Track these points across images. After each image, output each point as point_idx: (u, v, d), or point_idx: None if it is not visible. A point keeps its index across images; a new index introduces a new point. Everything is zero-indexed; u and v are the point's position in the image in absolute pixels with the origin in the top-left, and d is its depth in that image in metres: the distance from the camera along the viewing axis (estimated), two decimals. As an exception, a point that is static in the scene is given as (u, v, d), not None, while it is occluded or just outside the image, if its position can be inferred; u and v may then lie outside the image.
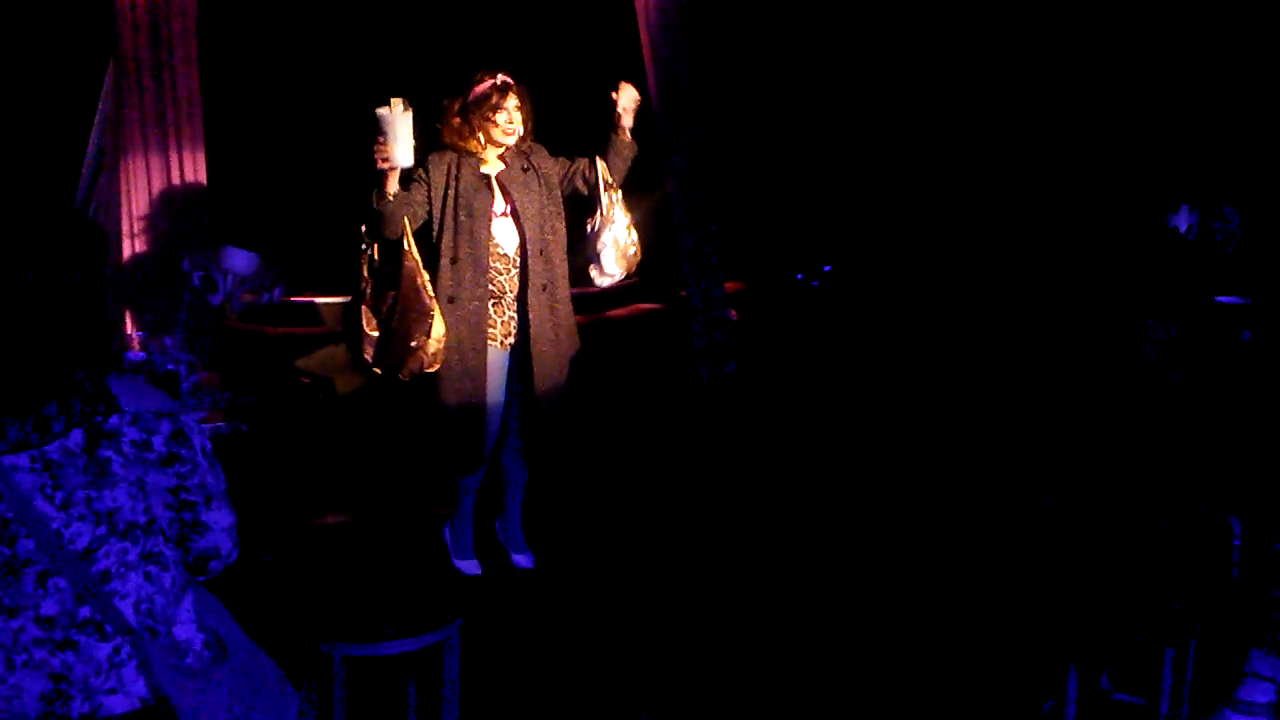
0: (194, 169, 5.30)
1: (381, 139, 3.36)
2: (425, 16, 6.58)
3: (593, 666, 3.22)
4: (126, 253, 5.20)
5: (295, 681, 2.13)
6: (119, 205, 5.24)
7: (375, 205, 3.48)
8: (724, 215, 6.20)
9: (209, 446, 2.01)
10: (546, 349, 3.65)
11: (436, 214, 3.59)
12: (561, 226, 3.78)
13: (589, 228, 3.84)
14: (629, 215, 3.84)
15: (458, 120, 3.66)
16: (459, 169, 3.61)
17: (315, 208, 6.14)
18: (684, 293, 6.10)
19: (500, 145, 3.67)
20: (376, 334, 3.54)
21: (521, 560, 3.98)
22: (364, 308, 3.57)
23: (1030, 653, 3.07)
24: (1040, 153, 5.51)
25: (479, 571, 3.90)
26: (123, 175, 5.22)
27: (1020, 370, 4.38)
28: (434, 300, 3.51)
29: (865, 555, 3.96)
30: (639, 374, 5.82)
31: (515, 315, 3.67)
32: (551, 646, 3.33)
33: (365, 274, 3.58)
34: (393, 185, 3.48)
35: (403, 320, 3.47)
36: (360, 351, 3.59)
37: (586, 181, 3.80)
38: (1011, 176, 5.58)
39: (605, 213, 3.77)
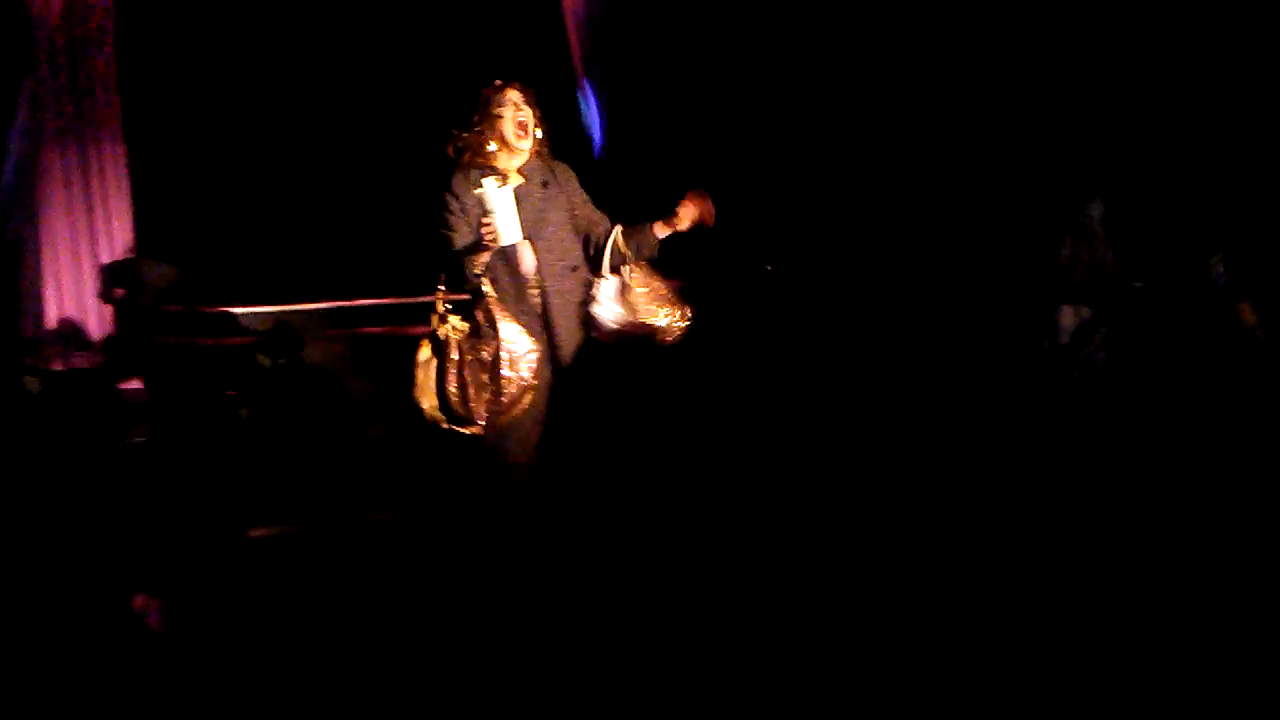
0: (116, 177, 5.23)
1: (486, 217, 3.30)
2: (337, 24, 6.54)
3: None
4: (46, 263, 5.12)
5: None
6: (37, 216, 5.16)
7: (469, 279, 3.38)
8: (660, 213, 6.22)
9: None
10: (573, 368, 3.55)
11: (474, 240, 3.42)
12: (581, 250, 3.64)
13: (594, 288, 3.67)
14: (646, 289, 3.67)
15: (466, 134, 3.55)
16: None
17: (246, 217, 6.09)
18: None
19: (517, 144, 3.51)
20: (488, 385, 3.33)
21: None
22: (466, 361, 3.42)
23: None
24: (954, 148, 5.61)
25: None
26: (41, 185, 5.13)
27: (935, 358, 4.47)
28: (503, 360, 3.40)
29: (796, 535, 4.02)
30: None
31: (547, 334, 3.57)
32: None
33: (448, 331, 3.42)
34: (486, 259, 3.38)
35: (514, 361, 3.30)
36: (454, 410, 3.43)
37: (594, 242, 3.68)
38: (928, 173, 5.68)
39: (626, 282, 3.59)
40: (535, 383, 3.39)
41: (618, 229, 3.54)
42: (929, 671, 2.94)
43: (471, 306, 3.40)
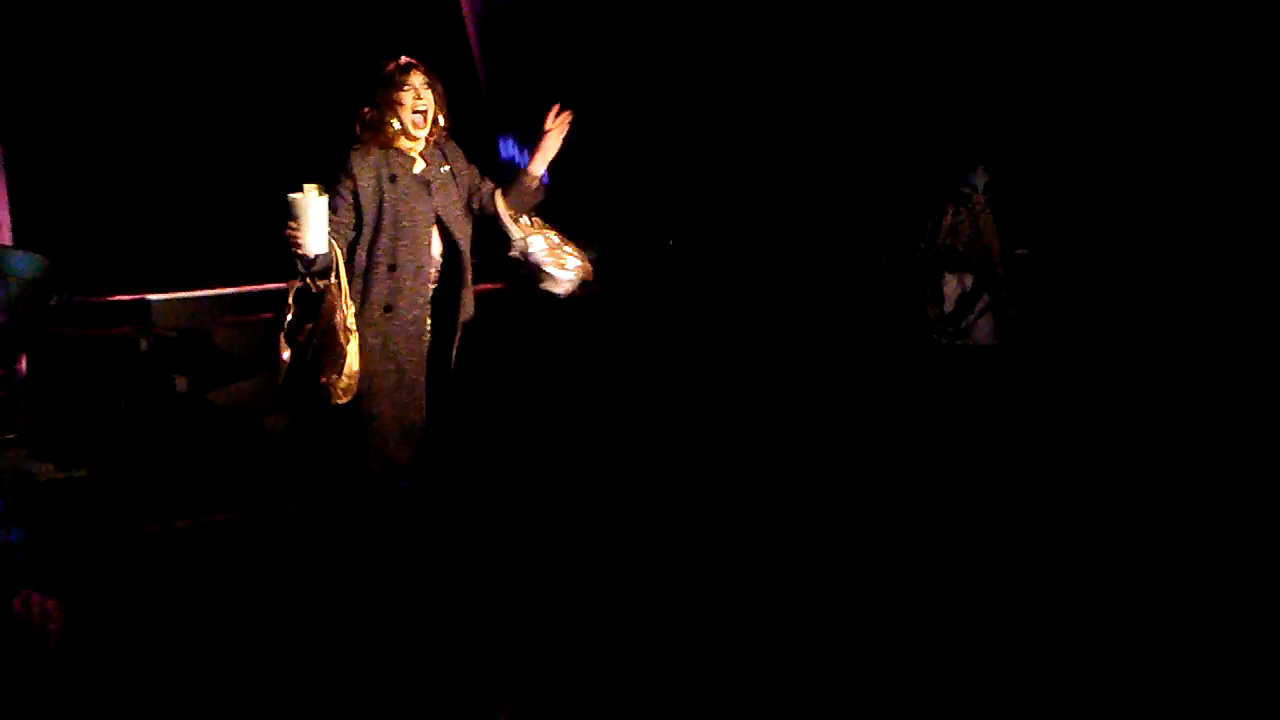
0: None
1: (293, 224, 3.19)
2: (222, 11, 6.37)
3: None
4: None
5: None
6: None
7: (301, 281, 3.32)
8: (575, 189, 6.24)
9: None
10: (457, 350, 3.50)
11: (370, 218, 3.39)
12: (470, 227, 3.57)
13: (512, 255, 3.67)
14: (546, 236, 3.69)
15: (369, 110, 3.50)
16: (390, 169, 3.41)
17: (129, 204, 5.91)
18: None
19: (414, 132, 3.47)
20: (288, 361, 3.37)
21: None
22: (280, 335, 3.37)
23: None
24: (836, 118, 5.70)
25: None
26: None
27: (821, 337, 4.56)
28: (350, 338, 3.36)
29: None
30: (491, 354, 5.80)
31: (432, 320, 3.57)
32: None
33: (290, 299, 3.37)
34: (303, 265, 3.32)
35: (317, 357, 3.27)
36: (276, 376, 3.42)
37: (483, 209, 3.68)
38: (811, 143, 5.77)
39: (520, 242, 3.61)
40: (334, 378, 3.33)
41: (497, 194, 3.58)
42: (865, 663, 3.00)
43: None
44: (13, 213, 5.10)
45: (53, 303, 4.35)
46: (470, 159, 3.67)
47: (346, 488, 3.63)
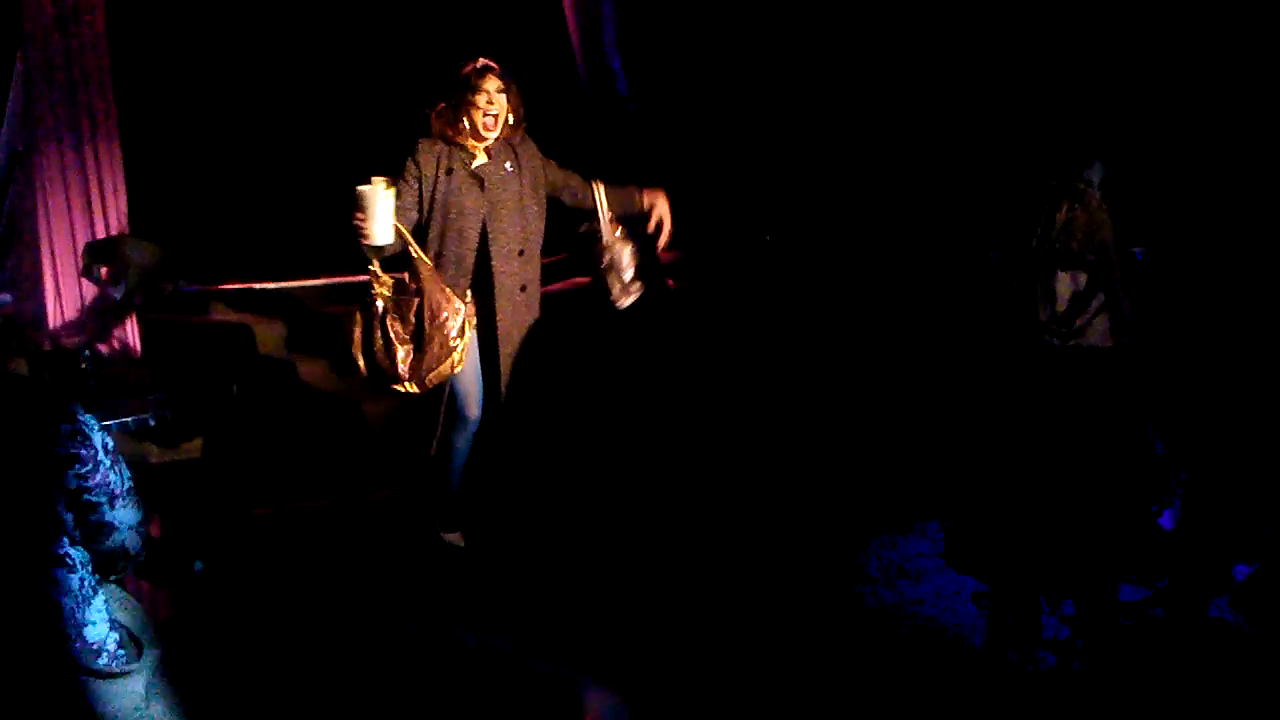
0: (110, 162, 5.22)
1: (360, 215, 3.26)
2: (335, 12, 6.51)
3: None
4: (44, 249, 5.12)
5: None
6: (35, 202, 5.16)
7: (370, 268, 3.41)
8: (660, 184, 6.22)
9: (110, 444, 2.01)
10: (515, 348, 3.59)
11: (425, 208, 3.52)
12: (541, 226, 3.64)
13: (599, 249, 3.72)
14: (629, 244, 3.69)
15: (443, 105, 3.59)
16: (450, 161, 3.52)
17: (240, 196, 6.08)
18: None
19: (484, 134, 3.54)
20: (409, 343, 3.41)
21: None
22: (390, 319, 3.42)
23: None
24: (950, 116, 5.57)
25: (462, 544, 3.85)
26: (37, 171, 5.13)
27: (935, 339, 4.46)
28: (455, 315, 3.41)
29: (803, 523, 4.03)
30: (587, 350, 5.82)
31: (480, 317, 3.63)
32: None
33: (376, 289, 3.45)
34: (371, 253, 3.38)
35: (436, 319, 3.37)
36: (382, 368, 3.43)
37: (575, 199, 3.69)
38: (925, 141, 5.64)
39: (608, 243, 3.65)
40: (460, 341, 3.45)
41: (598, 185, 3.64)
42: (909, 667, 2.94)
43: (404, 266, 3.46)
44: (130, 203, 5.29)
45: (168, 290, 4.49)
46: (568, 155, 3.73)
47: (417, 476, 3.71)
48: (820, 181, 6.18)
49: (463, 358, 3.46)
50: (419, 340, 3.42)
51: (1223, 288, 4.85)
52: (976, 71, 5.54)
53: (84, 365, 3.35)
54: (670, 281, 6.30)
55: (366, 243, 3.29)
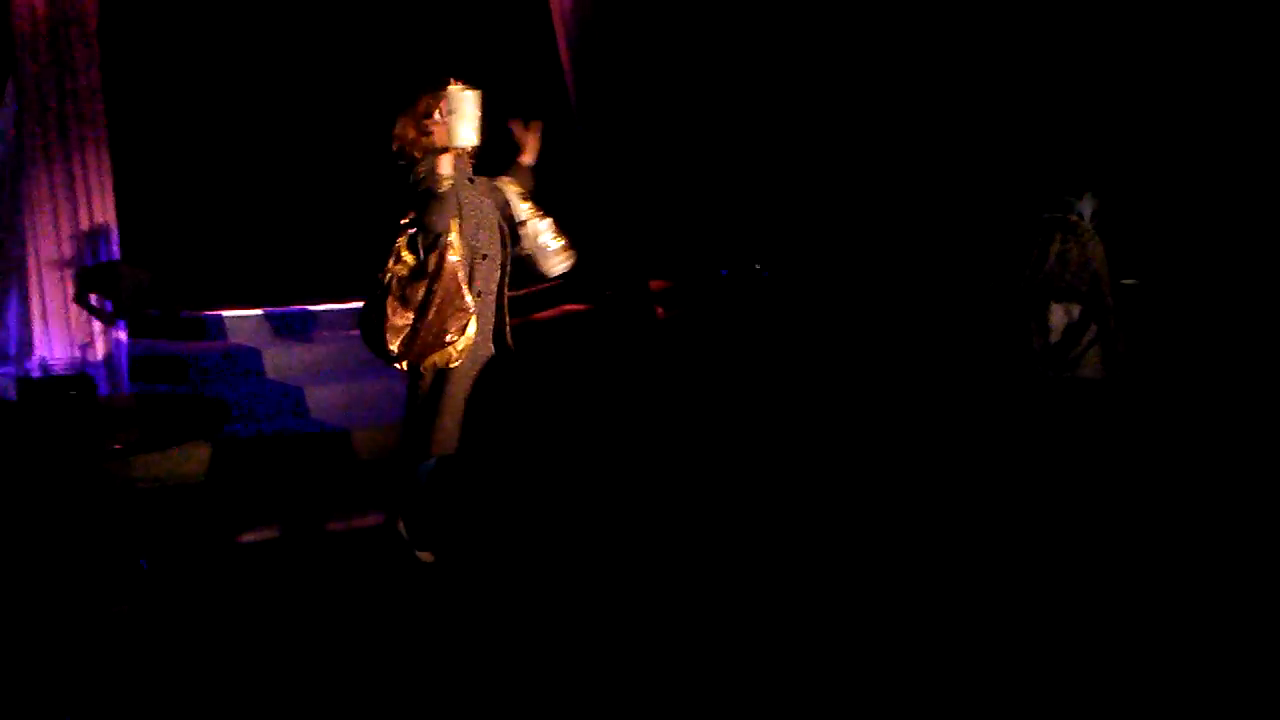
0: (100, 186, 5.19)
1: (451, 114, 3.33)
2: (324, 28, 6.52)
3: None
4: (31, 271, 5.08)
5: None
6: (21, 225, 5.13)
7: (433, 188, 3.41)
8: (647, 213, 6.23)
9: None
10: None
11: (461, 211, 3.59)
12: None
13: (519, 234, 3.83)
14: (547, 218, 3.85)
15: (432, 120, 3.64)
16: (465, 170, 3.63)
17: (228, 220, 6.06)
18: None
19: (464, 152, 3.61)
20: (405, 324, 3.47)
21: None
22: (390, 298, 3.49)
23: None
24: (940, 146, 5.60)
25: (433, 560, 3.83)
26: (25, 194, 5.10)
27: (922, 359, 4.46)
28: (472, 299, 3.47)
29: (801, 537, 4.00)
30: (568, 376, 5.81)
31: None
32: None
33: (392, 263, 3.51)
34: (447, 167, 3.41)
35: (440, 314, 3.42)
36: (382, 340, 3.51)
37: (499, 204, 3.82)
38: (913, 171, 5.67)
39: (526, 220, 3.78)
40: (460, 339, 3.47)
41: (510, 183, 3.76)
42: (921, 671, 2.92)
43: (429, 250, 3.45)
44: (120, 229, 5.26)
45: (155, 315, 4.46)
46: (558, 166, 3.79)
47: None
48: (811, 210, 6.20)
49: (461, 356, 3.49)
50: (419, 321, 3.44)
51: (1216, 320, 4.87)
52: (969, 103, 5.57)
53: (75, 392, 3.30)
54: (660, 310, 6.29)
55: (456, 144, 3.37)
